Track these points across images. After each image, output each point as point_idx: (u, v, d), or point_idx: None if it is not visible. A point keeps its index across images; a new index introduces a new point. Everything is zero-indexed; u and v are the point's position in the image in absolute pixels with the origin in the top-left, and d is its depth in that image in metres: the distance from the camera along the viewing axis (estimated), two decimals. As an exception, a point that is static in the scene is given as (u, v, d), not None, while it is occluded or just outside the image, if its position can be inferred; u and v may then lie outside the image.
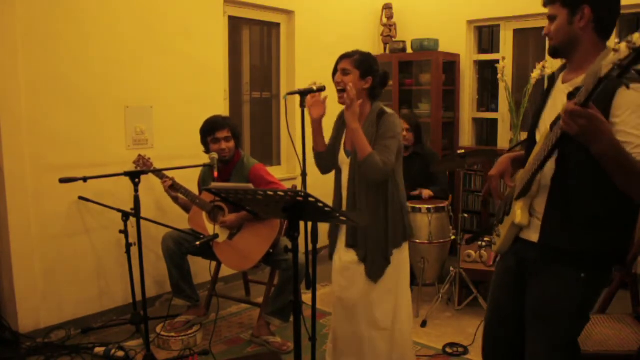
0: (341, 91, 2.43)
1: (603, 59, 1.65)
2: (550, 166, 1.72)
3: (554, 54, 1.82)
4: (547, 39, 1.82)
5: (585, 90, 1.39)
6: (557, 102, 1.78)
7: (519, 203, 1.82)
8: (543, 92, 1.94)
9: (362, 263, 2.48)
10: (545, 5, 1.80)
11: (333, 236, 2.63)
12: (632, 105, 1.54)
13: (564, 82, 1.81)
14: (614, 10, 1.73)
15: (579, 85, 1.68)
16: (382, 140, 2.41)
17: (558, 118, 1.59)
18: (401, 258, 2.54)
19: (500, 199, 2.00)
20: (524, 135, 3.29)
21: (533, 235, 1.80)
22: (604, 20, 1.70)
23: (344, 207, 2.55)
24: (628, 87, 1.36)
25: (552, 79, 1.91)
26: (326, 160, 2.64)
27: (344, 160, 2.56)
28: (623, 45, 1.24)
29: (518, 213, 1.81)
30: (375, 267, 2.46)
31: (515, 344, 1.99)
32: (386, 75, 2.53)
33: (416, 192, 4.02)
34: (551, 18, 1.77)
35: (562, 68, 1.88)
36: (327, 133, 2.67)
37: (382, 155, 2.36)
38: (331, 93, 2.49)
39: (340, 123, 2.63)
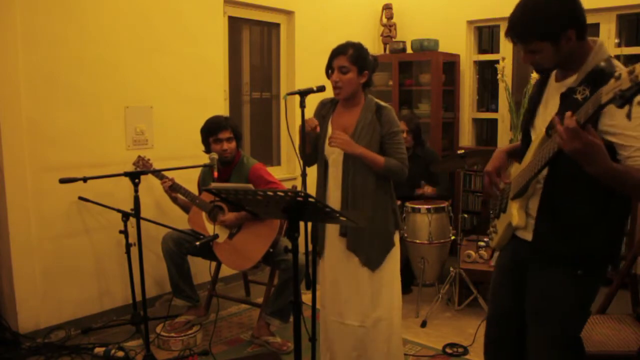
0: (337, 88, 2.46)
1: (597, 54, 1.64)
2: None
3: (544, 72, 1.81)
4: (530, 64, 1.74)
5: (584, 112, 1.36)
6: (550, 101, 1.78)
7: (515, 204, 1.82)
8: (537, 86, 1.91)
9: (356, 253, 2.49)
10: (518, 43, 1.69)
11: (320, 229, 2.60)
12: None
13: (557, 80, 1.79)
14: (584, 13, 1.68)
15: (571, 85, 1.68)
16: (391, 138, 2.48)
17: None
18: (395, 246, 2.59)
19: (495, 196, 2.00)
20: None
21: (528, 235, 1.81)
22: (583, 26, 1.66)
23: (330, 198, 2.55)
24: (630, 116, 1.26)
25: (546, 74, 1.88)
26: (311, 158, 2.65)
27: (331, 152, 2.54)
28: (625, 75, 1.20)
29: (515, 214, 1.81)
30: (375, 256, 2.48)
31: (517, 342, 1.99)
32: (376, 61, 2.56)
33: (420, 191, 4.04)
34: (532, 52, 1.69)
35: None
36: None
37: (396, 153, 2.47)
38: (327, 94, 2.49)
39: (323, 114, 2.61)
